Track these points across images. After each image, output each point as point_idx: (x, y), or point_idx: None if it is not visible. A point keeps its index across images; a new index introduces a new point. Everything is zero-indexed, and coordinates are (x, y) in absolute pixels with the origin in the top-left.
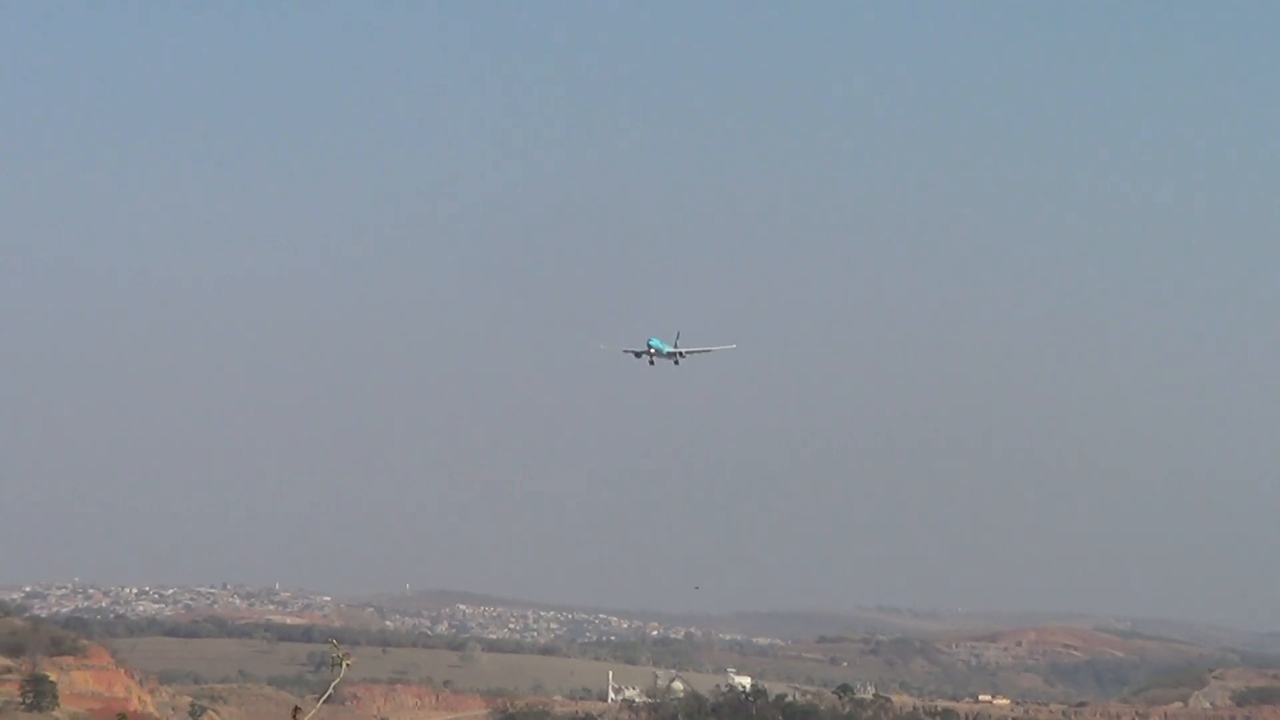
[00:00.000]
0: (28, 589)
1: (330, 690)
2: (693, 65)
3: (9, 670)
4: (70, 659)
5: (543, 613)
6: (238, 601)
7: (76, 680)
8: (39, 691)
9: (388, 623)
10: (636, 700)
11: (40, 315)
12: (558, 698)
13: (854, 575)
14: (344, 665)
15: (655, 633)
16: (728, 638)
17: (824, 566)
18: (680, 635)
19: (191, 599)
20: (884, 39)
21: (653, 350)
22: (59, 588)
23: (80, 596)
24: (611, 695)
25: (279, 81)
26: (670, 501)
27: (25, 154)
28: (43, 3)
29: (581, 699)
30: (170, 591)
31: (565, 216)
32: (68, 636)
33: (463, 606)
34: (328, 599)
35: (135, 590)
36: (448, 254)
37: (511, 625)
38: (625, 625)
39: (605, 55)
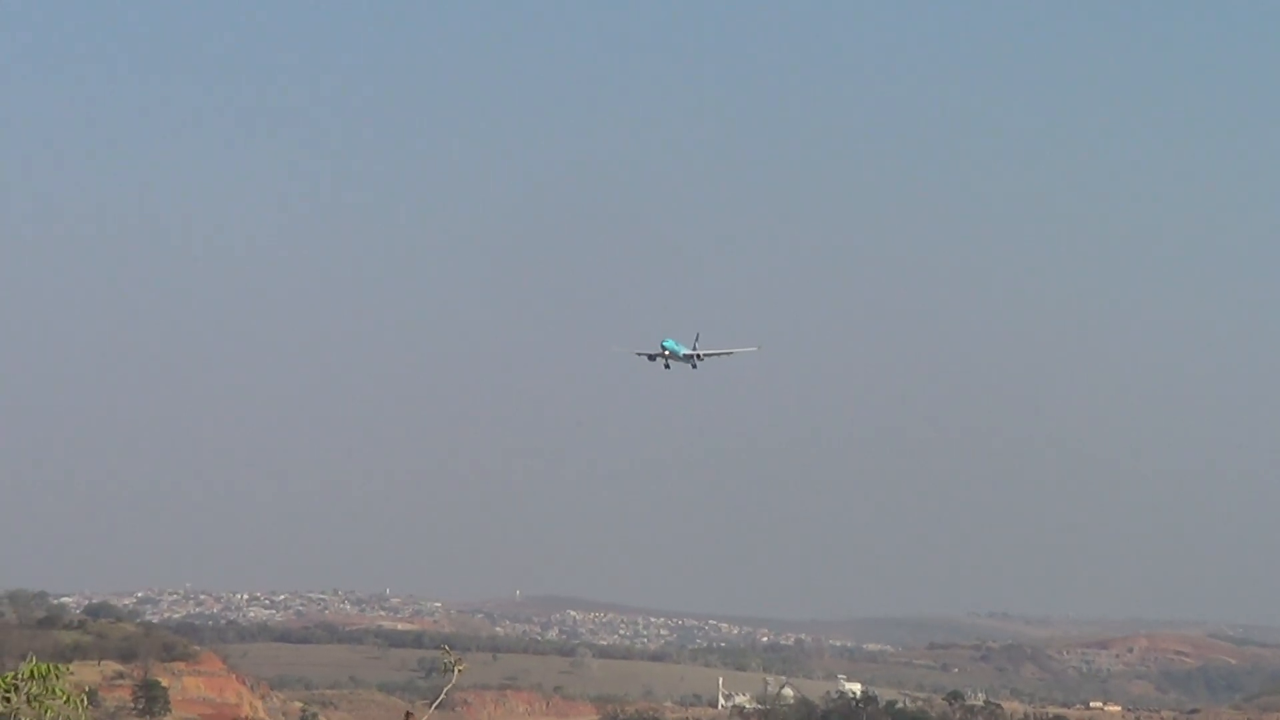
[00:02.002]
0: (140, 595)
1: (443, 695)
2: (711, 58)
3: (121, 675)
4: (182, 664)
5: (653, 619)
6: (348, 607)
7: (188, 686)
8: (151, 697)
9: (498, 629)
10: (747, 706)
11: (147, 323)
12: (668, 704)
13: (965, 581)
14: (456, 671)
15: (765, 639)
16: (838, 644)
17: (935, 573)
18: (790, 641)
19: (302, 605)
20: (903, 32)
21: (667, 352)
22: (171, 593)
23: (192, 602)
24: (722, 701)
25: (283, 80)
26: (781, 508)
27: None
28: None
29: (692, 705)
30: (281, 597)
31: (585, 215)
32: (180, 642)
33: (573, 612)
34: (438, 605)
35: (247, 596)
36: (472, 257)
37: (622, 631)
38: (735, 631)
39: (620, 49)
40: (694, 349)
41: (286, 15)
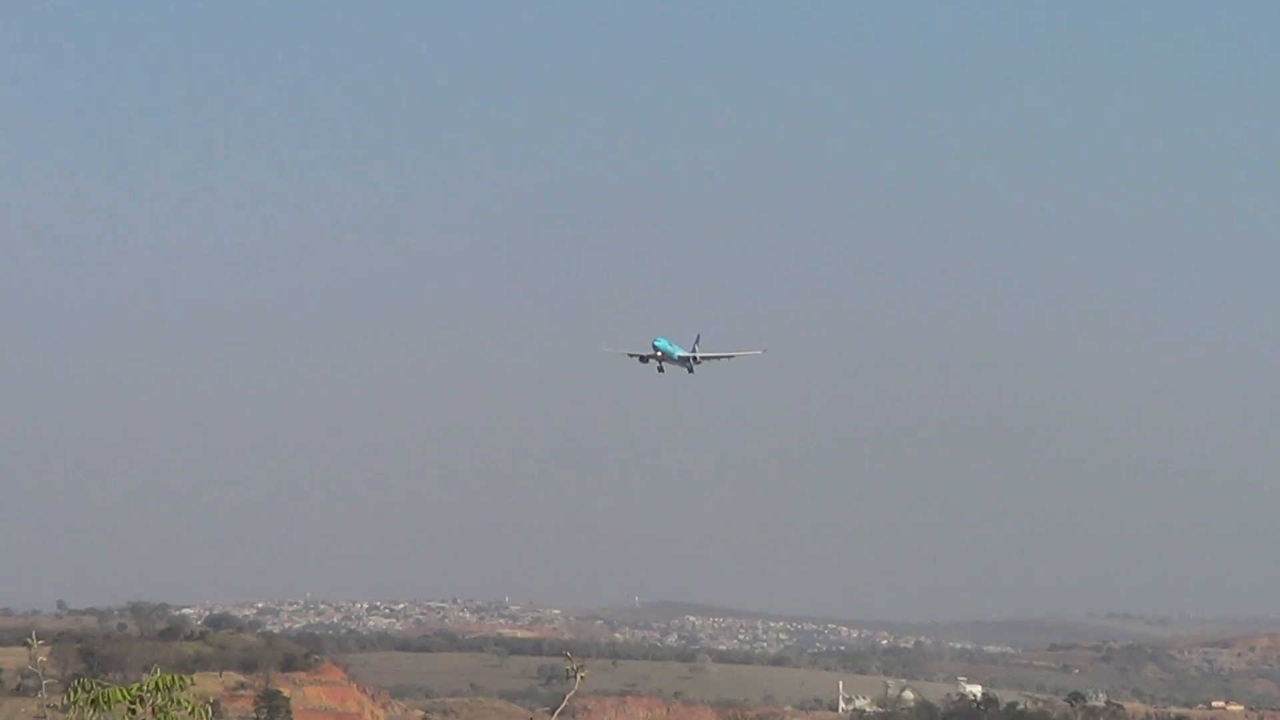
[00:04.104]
0: (260, 605)
1: (565, 702)
2: (712, 58)
3: (243, 686)
4: (303, 674)
5: (772, 623)
6: (468, 615)
7: (309, 695)
8: (273, 707)
9: (617, 635)
10: (867, 710)
11: (256, 337)
12: (788, 708)
13: (1085, 582)
14: (578, 677)
15: (885, 642)
16: (958, 646)
17: (1055, 574)
18: (910, 644)
19: (422, 613)
20: (904, 31)
21: (660, 354)
22: (291, 604)
23: (312, 612)
24: (842, 705)
25: (282, 79)
26: (900, 510)
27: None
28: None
29: (812, 709)
30: (401, 606)
31: (587, 216)
32: (300, 652)
33: (692, 618)
34: (557, 612)
35: (366, 605)
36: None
37: (741, 636)
38: (855, 635)
39: (619, 47)
40: (693, 351)
41: (286, 16)
